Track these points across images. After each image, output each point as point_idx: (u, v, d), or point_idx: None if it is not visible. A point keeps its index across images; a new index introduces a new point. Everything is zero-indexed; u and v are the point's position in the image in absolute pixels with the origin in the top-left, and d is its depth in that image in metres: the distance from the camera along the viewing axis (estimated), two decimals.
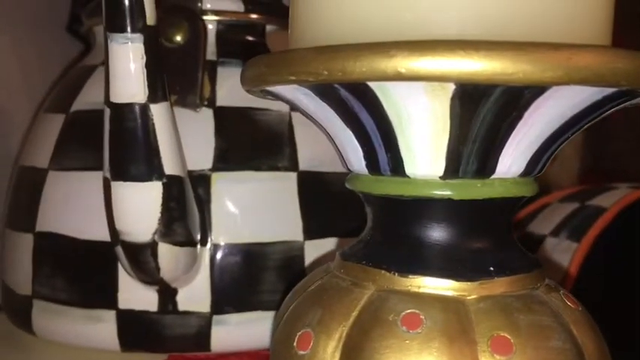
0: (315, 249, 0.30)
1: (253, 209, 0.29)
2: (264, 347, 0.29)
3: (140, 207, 0.24)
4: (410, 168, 0.17)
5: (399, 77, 0.14)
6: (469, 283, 0.17)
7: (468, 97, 0.15)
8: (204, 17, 0.31)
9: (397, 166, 0.17)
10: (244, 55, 0.32)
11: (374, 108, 0.16)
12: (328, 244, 0.31)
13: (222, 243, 0.29)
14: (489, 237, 0.18)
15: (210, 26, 0.32)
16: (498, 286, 0.17)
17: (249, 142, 0.30)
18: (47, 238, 0.30)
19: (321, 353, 0.17)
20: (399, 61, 0.14)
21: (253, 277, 0.29)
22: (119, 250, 0.25)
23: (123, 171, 0.23)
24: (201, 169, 0.29)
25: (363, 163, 0.18)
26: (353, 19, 0.16)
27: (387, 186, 0.18)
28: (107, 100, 0.23)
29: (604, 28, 0.17)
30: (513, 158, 0.17)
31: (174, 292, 0.28)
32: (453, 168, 0.17)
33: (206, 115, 0.30)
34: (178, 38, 0.30)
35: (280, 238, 0.29)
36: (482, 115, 0.16)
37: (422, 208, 0.18)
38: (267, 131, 0.31)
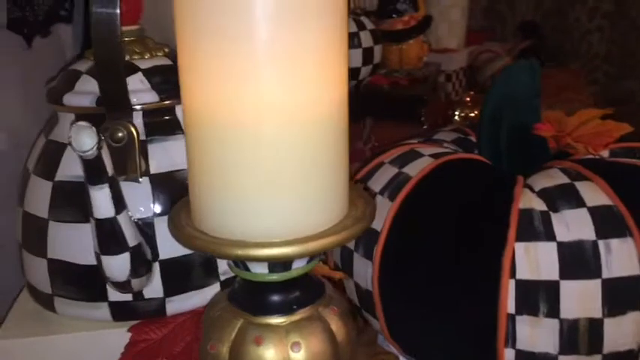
0: None
1: None
2: (196, 308, 0.51)
3: (118, 267, 0.43)
4: (253, 270, 0.38)
5: (251, 260, 0.34)
6: (285, 317, 0.38)
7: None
8: (133, 110, 0.48)
9: (247, 269, 0.38)
10: (164, 131, 0.50)
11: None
12: None
13: (165, 258, 0.49)
14: (296, 290, 0.39)
15: (137, 119, 0.49)
16: (298, 315, 0.39)
17: (175, 194, 0.49)
18: (57, 262, 0.49)
19: (220, 354, 0.38)
20: (250, 253, 0.34)
21: (185, 275, 0.50)
22: (108, 283, 0.45)
23: (106, 250, 0.43)
24: (147, 217, 0.48)
25: (232, 263, 0.38)
26: (229, 225, 0.35)
27: (244, 275, 0.38)
28: (92, 215, 0.42)
29: (338, 214, 0.36)
30: (300, 264, 0.37)
31: (141, 290, 0.49)
32: (273, 270, 0.37)
33: (145, 182, 0.48)
34: (120, 137, 0.47)
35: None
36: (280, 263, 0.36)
37: (262, 284, 0.38)
38: (184, 184, 0.49)
